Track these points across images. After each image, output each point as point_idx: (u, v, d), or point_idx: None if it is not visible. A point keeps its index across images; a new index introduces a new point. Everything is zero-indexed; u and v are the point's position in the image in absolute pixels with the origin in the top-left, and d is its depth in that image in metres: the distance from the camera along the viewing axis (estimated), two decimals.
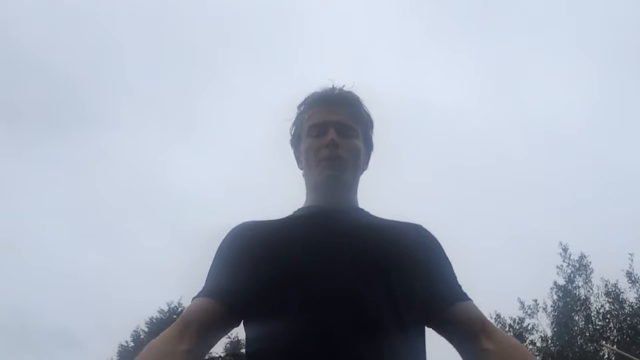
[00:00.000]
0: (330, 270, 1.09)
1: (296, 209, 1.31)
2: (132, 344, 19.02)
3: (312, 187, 1.30)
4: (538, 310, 16.22)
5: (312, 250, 1.13)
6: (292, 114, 1.37)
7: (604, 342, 14.87)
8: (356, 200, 1.31)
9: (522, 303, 16.35)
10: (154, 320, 18.74)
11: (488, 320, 1.16)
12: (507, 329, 16.06)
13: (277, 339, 1.04)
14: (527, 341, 15.88)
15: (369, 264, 1.11)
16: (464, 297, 1.19)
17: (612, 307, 15.43)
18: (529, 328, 16.12)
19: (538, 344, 15.85)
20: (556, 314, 15.94)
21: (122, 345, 19.48)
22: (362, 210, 1.31)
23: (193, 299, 1.15)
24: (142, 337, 18.77)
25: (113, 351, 19.70)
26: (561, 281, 16.29)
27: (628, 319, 15.03)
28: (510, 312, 16.45)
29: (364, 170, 1.34)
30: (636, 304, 15.12)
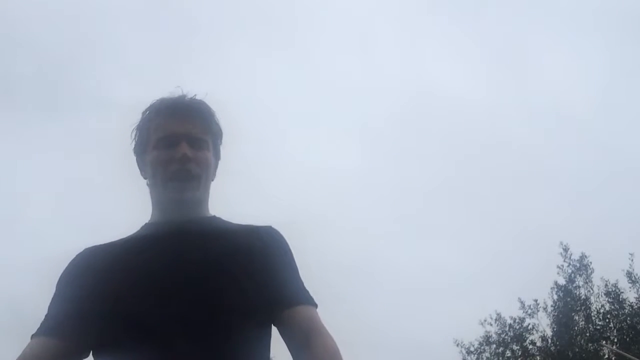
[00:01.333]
0: (161, 291, 1.09)
1: (143, 224, 1.29)
2: None
3: (158, 202, 1.27)
4: (538, 310, 16.25)
5: (144, 275, 1.13)
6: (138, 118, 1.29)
7: (604, 342, 14.89)
8: (206, 210, 1.29)
9: (522, 303, 16.37)
10: None
11: (317, 330, 1.12)
12: (507, 328, 16.10)
13: None
14: (528, 341, 15.92)
15: (200, 277, 1.12)
16: (301, 300, 1.16)
17: (612, 307, 15.45)
18: (529, 328, 16.13)
19: (538, 344, 15.88)
20: (556, 313, 15.95)
21: None
22: (212, 218, 1.30)
23: (32, 336, 1.12)
24: None
25: None
26: (562, 281, 16.32)
27: (628, 319, 15.05)
28: (510, 312, 16.49)
29: (212, 179, 1.32)
30: (636, 304, 15.14)
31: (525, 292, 16.69)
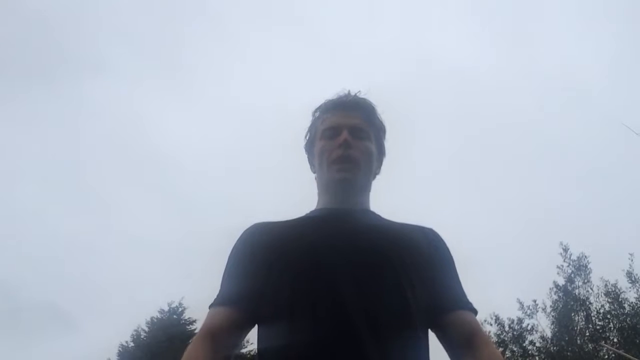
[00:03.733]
0: (341, 273, 1.10)
1: (308, 211, 1.33)
2: (132, 344, 18.99)
3: (324, 188, 1.32)
4: (537, 311, 16.23)
5: (323, 252, 1.14)
6: (308, 119, 1.40)
7: (603, 342, 14.86)
8: (368, 203, 1.33)
9: (521, 303, 16.36)
10: (155, 320, 18.71)
11: (483, 334, 1.17)
12: (506, 329, 16.08)
13: (289, 341, 1.06)
14: (527, 341, 15.90)
15: (381, 267, 1.13)
16: (465, 305, 1.20)
17: (612, 307, 15.43)
18: (528, 328, 16.12)
19: (538, 344, 15.86)
20: (556, 314, 15.93)
21: (122, 345, 19.44)
22: (372, 212, 1.33)
23: (210, 306, 1.19)
24: (142, 337, 18.73)
25: (112, 351, 19.68)
26: (561, 281, 16.31)
27: (628, 319, 15.02)
28: (509, 312, 16.46)
29: (376, 174, 1.37)
30: (636, 304, 15.12)
31: (524, 292, 16.68)
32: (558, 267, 16.36)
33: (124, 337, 19.24)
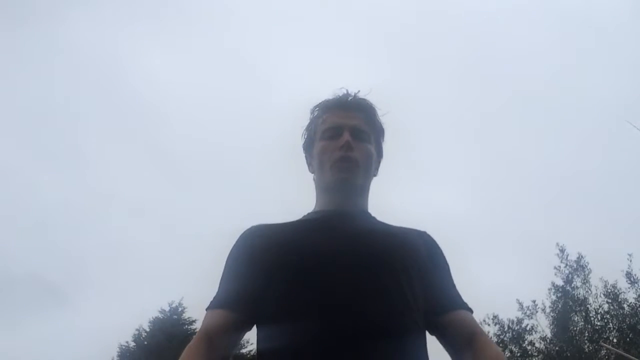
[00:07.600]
0: (341, 275, 1.12)
1: (306, 213, 1.34)
2: (133, 343, 19.01)
3: (324, 189, 1.32)
4: (537, 311, 16.24)
5: (323, 254, 1.16)
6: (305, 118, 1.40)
7: (602, 342, 14.86)
8: (366, 204, 1.34)
9: (520, 304, 16.36)
10: (156, 320, 18.72)
11: (482, 333, 1.19)
12: (506, 329, 16.08)
13: (289, 343, 1.07)
14: (527, 342, 15.89)
15: (380, 269, 1.14)
16: (463, 305, 1.22)
17: (611, 307, 15.43)
18: (528, 329, 16.11)
19: (537, 345, 15.86)
20: (555, 314, 15.93)
21: (122, 345, 19.46)
22: (370, 214, 1.34)
23: (207, 309, 1.20)
24: (143, 336, 18.75)
25: (113, 351, 19.68)
26: (559, 282, 16.31)
27: (627, 319, 15.02)
28: (509, 313, 16.46)
29: (374, 176, 1.37)
30: (635, 304, 15.12)
31: (523, 293, 16.65)
32: (555, 267, 16.37)
33: (125, 337, 19.26)
